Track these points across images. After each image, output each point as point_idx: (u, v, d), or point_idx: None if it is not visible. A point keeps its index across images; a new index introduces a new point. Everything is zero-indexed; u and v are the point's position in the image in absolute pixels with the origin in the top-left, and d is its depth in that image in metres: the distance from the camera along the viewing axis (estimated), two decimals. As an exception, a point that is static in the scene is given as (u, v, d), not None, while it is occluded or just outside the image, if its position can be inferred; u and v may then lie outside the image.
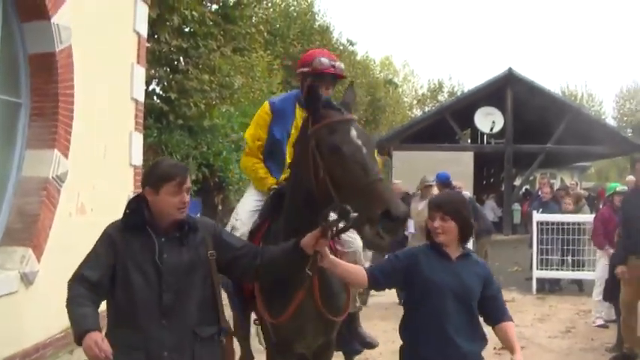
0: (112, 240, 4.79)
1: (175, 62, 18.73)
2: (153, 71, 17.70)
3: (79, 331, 4.38)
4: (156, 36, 18.48)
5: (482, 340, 5.11)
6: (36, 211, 7.88)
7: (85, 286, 4.60)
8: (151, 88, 20.18)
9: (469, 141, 34.79)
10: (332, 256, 4.90)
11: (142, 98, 10.64)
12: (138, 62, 10.35)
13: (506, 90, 28.82)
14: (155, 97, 19.09)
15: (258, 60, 28.94)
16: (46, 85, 8.19)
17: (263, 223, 6.20)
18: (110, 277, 4.71)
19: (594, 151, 30.93)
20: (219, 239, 5.05)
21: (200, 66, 18.54)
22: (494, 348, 11.15)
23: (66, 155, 8.31)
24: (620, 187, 13.79)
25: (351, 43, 49.00)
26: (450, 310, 4.89)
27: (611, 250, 11.92)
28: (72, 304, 4.54)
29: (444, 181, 13.59)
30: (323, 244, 4.78)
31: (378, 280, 5.07)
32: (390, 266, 5.16)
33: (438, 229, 5.00)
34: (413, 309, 5.10)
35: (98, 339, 4.33)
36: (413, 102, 72.30)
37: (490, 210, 25.95)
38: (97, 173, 9.17)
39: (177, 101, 17.83)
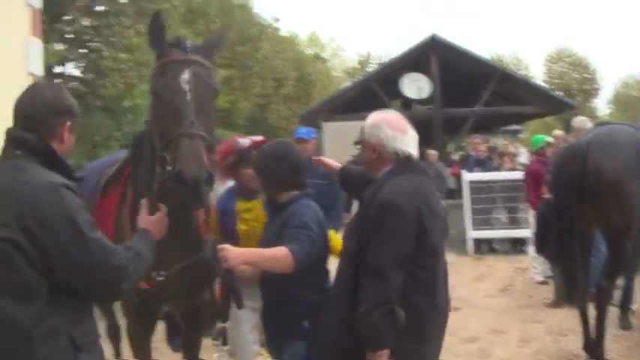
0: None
1: (88, 42, 18.08)
2: (61, 51, 17.07)
3: (151, 238, 4.10)
4: (65, 17, 17.83)
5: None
6: None
7: None
8: (68, 71, 19.52)
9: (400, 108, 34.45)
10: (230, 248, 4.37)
11: (39, 72, 9.95)
12: (33, 34, 9.69)
13: (430, 55, 28.53)
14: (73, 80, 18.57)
15: (180, 38, 28.29)
16: None
17: (124, 167, 5.51)
18: None
19: (524, 111, 30.49)
20: None
21: (116, 45, 17.95)
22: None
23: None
24: (550, 139, 13.44)
25: (276, 20, 48.75)
26: None
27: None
28: (139, 258, 3.76)
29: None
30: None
31: None
32: None
33: None
34: None
35: (148, 219, 4.22)
36: (342, 76, 72.13)
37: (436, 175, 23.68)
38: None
39: (94, 82, 17.23)
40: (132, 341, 5.70)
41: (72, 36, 18.73)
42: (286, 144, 5.14)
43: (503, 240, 17.43)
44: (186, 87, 4.40)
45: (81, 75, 18.92)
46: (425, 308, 4.33)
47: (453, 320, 9.90)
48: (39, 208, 3.37)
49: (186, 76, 4.45)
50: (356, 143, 4.83)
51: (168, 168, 4.19)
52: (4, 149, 3.70)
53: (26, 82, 9.62)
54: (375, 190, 4.38)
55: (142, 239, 4.03)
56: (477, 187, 16.79)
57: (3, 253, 3.34)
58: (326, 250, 4.87)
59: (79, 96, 18.25)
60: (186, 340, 6.06)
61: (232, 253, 4.29)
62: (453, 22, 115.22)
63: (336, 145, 27.71)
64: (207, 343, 6.49)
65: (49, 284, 3.41)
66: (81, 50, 18.84)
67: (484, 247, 17.23)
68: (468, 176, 17.10)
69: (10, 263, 3.35)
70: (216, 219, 5.86)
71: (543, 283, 12.72)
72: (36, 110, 3.73)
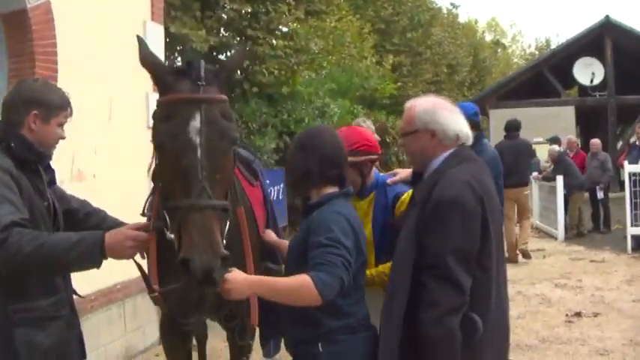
0: (16, 180, 3.88)
1: (247, 29, 18.05)
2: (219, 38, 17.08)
3: (93, 241, 3.67)
4: (225, 5, 17.91)
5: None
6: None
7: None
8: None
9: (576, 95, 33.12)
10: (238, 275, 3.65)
11: (160, 57, 9.71)
12: (152, 19, 9.50)
13: (605, 39, 27.24)
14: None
15: (347, 25, 28.12)
16: (21, 44, 7.40)
17: None
18: None
19: None
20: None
21: (275, 32, 17.87)
22: (566, 315, 10.10)
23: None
24: None
25: (454, 6, 48.15)
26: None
27: None
28: (45, 244, 3.60)
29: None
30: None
31: None
32: None
33: None
34: None
35: (124, 230, 3.80)
36: (521, 62, 70.70)
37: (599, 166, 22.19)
38: (99, 135, 8.22)
39: (249, 69, 17.18)
40: (165, 350, 5.36)
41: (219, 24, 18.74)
42: (318, 130, 4.45)
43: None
44: (197, 139, 3.53)
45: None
46: (487, 314, 3.91)
47: (588, 327, 9.35)
48: None
49: (196, 123, 3.55)
50: (404, 135, 4.23)
51: (170, 235, 3.60)
52: None
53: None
54: (432, 185, 3.96)
55: (77, 237, 3.73)
56: (638, 179, 15.77)
57: None
58: (362, 266, 4.06)
59: (235, 83, 18.30)
60: (230, 349, 5.52)
61: (236, 284, 3.56)
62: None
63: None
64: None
65: None
66: (235, 37, 18.83)
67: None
68: (628, 167, 16.06)
69: None
70: None
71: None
72: (7, 100, 4.16)
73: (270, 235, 5.01)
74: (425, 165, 4.18)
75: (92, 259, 3.70)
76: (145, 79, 9.07)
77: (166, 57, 10.79)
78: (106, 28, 8.53)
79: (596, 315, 10.09)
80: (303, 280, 3.60)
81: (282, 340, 4.46)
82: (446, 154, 4.11)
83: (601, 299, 11.10)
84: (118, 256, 3.72)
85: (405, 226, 4.07)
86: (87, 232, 3.93)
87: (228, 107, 3.77)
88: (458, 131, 4.14)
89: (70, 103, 4.24)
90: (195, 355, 6.06)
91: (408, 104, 4.29)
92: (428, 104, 4.19)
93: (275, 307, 4.05)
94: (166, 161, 3.64)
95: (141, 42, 3.84)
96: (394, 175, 5.21)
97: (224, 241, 3.54)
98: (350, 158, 4.79)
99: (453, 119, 4.17)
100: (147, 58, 3.80)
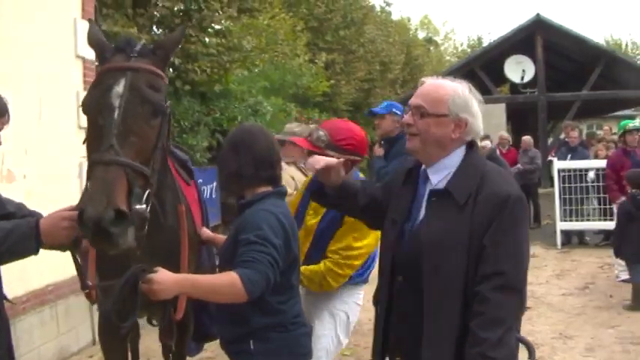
0: None
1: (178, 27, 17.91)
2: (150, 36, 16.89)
3: (28, 228, 3.59)
4: (157, 3, 17.78)
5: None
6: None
7: None
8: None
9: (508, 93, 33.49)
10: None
11: (91, 56, 9.65)
12: (83, 17, 9.41)
13: (536, 37, 27.55)
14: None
15: (280, 23, 28.07)
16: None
17: None
18: None
19: (633, 95, 29.13)
20: None
21: (208, 30, 17.77)
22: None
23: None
24: (632, 124, 12.41)
25: (387, 4, 48.40)
26: None
27: (623, 198, 10.88)
28: None
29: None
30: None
31: None
32: None
33: None
34: None
35: (58, 212, 3.62)
36: (453, 60, 71.49)
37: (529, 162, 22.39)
38: (29, 135, 8.07)
39: (182, 66, 17.04)
40: (103, 351, 5.25)
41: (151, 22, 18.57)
42: (250, 131, 4.21)
43: (596, 232, 16.60)
44: (116, 102, 3.58)
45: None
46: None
47: (517, 322, 9.44)
48: None
49: (119, 88, 3.62)
50: (425, 116, 3.51)
51: None
52: None
53: (76, 65, 9.40)
54: (476, 182, 3.41)
55: (10, 225, 3.65)
56: (567, 175, 16.04)
57: None
58: (294, 264, 4.02)
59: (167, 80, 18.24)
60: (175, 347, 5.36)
61: (162, 284, 3.49)
62: (571, 6, 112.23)
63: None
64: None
65: None
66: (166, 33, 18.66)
67: (574, 239, 16.55)
68: (558, 164, 16.42)
69: None
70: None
71: (628, 281, 11.89)
72: None
73: (206, 232, 5.01)
74: (431, 158, 3.61)
75: (28, 246, 3.60)
76: (75, 77, 9.02)
77: (98, 55, 10.66)
78: (36, 26, 8.44)
79: (526, 309, 10.22)
80: (229, 277, 3.61)
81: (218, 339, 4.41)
82: (462, 148, 3.58)
83: (531, 294, 11.16)
84: (55, 239, 3.60)
85: (439, 230, 3.42)
86: (21, 219, 3.90)
87: (158, 80, 3.83)
88: (479, 130, 3.61)
89: (8, 109, 4.19)
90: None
91: (433, 81, 3.71)
92: (462, 89, 3.60)
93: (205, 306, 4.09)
94: (89, 125, 3.71)
95: (91, 24, 4.01)
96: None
97: (143, 205, 3.54)
98: (331, 152, 4.77)
99: (478, 115, 3.60)
100: (92, 37, 3.93)
